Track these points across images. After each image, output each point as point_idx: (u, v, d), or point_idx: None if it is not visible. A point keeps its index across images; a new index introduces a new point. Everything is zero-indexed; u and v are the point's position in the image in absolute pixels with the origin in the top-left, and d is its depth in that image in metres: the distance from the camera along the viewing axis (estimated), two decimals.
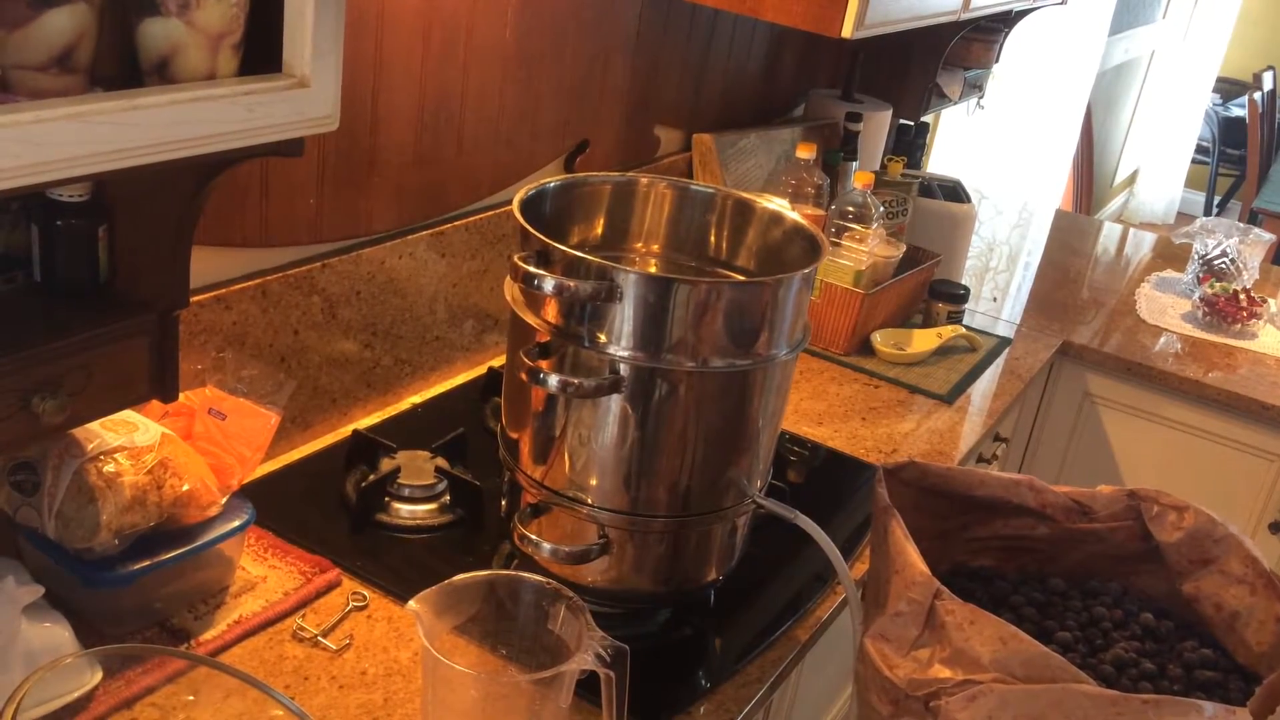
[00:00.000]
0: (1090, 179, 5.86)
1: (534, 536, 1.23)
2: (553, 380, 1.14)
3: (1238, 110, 6.51)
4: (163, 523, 1.16)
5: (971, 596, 1.14)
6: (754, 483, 1.26)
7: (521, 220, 1.17)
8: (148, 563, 1.15)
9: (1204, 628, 1.15)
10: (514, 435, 1.26)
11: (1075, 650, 1.11)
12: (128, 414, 1.18)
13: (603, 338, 1.14)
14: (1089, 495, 1.19)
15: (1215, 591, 1.13)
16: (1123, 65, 5.79)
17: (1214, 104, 6.68)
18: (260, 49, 0.89)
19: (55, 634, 1.08)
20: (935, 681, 0.96)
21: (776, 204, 1.35)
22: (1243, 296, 2.52)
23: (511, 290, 1.22)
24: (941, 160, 3.70)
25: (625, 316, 1.12)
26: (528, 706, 1.06)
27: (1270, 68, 6.05)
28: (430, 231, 1.63)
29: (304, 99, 0.90)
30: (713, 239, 1.39)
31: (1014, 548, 1.22)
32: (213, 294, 1.35)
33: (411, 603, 1.03)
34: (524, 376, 1.17)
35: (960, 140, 3.91)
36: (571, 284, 1.11)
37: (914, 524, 1.10)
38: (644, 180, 1.39)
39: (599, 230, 1.38)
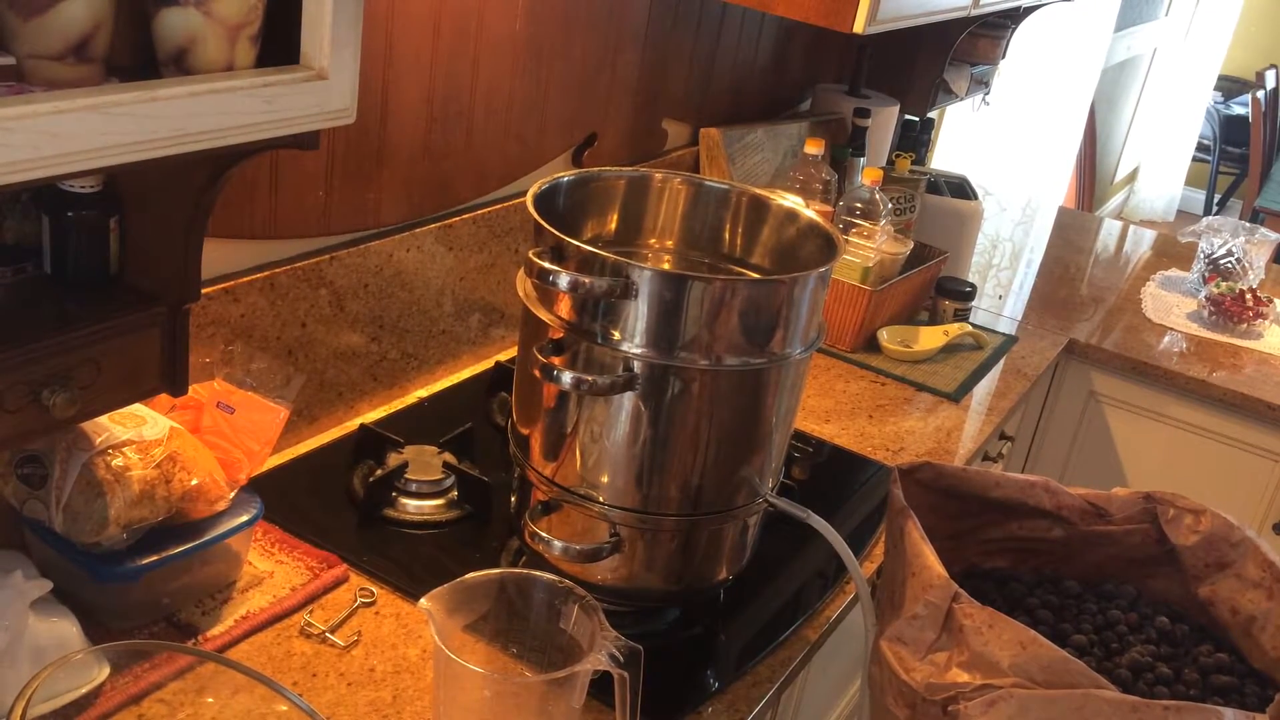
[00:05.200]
0: (1092, 176, 5.85)
1: (545, 534, 1.22)
2: (566, 377, 1.13)
3: (1239, 108, 6.50)
4: (170, 517, 1.15)
5: (986, 598, 1.13)
6: (766, 482, 1.25)
7: (536, 215, 1.16)
8: (155, 558, 1.14)
9: (1220, 631, 1.14)
10: (525, 431, 1.25)
11: (1091, 654, 1.10)
12: (136, 407, 1.16)
13: (616, 335, 1.13)
14: (1104, 497, 1.19)
15: (1231, 595, 1.13)
16: (1125, 62, 5.78)
17: (1215, 102, 6.67)
18: (277, 40, 0.88)
19: (62, 629, 1.07)
20: (953, 686, 0.95)
21: (791, 201, 1.34)
22: (1249, 296, 2.51)
23: (524, 286, 1.21)
24: (945, 156, 3.69)
25: (639, 313, 1.11)
26: (539, 706, 1.06)
27: (1273, 66, 6.04)
28: (438, 224, 1.62)
29: (322, 91, 0.89)
30: (727, 236, 1.38)
31: (1028, 549, 1.22)
32: (221, 286, 1.34)
33: (423, 601, 1.02)
34: (537, 373, 1.15)
35: (964, 136, 3.89)
36: (586, 280, 1.10)
37: (927, 524, 1.09)
38: (658, 176, 1.38)
39: (612, 226, 1.36)
